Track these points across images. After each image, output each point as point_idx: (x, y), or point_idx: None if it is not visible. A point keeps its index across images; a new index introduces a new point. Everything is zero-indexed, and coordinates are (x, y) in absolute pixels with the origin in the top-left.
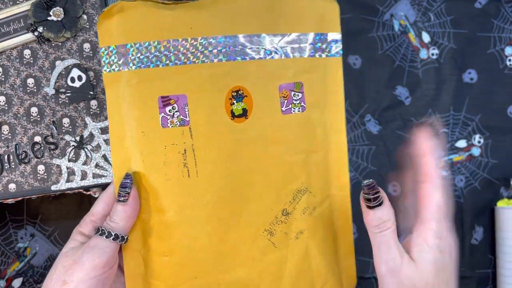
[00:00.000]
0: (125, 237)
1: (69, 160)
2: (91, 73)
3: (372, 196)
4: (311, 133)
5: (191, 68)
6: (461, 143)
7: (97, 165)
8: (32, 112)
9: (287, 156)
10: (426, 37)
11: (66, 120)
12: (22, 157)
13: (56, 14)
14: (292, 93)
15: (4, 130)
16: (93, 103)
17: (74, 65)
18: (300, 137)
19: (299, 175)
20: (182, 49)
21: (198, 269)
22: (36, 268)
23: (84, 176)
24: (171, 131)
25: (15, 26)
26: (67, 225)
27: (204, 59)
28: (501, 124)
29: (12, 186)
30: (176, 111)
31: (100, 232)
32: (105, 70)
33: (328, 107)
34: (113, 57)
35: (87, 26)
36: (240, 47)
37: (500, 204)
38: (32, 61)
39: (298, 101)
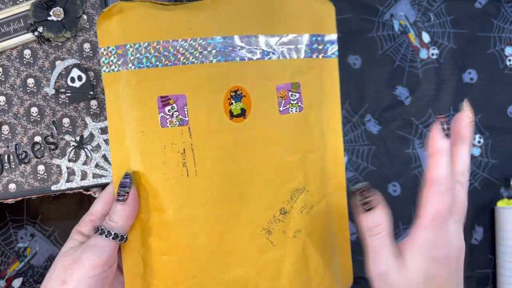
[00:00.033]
0: (125, 236)
1: (69, 160)
2: (91, 73)
3: (363, 201)
4: (308, 133)
5: (190, 68)
6: None
7: (97, 165)
8: (32, 112)
9: (285, 155)
10: (426, 37)
11: (66, 120)
12: (22, 157)
13: (56, 14)
14: (290, 93)
15: (4, 130)
16: (93, 103)
17: (74, 65)
18: (298, 137)
19: (297, 175)
20: (181, 49)
21: (197, 268)
22: (36, 268)
23: (84, 176)
24: (170, 131)
25: (15, 26)
26: (67, 225)
27: (203, 59)
28: (501, 124)
29: (12, 186)
30: (175, 111)
31: (99, 231)
32: (104, 71)
33: (324, 107)
34: (112, 58)
35: (87, 26)
36: (238, 47)
37: (500, 204)
38: (32, 61)
39: (295, 101)
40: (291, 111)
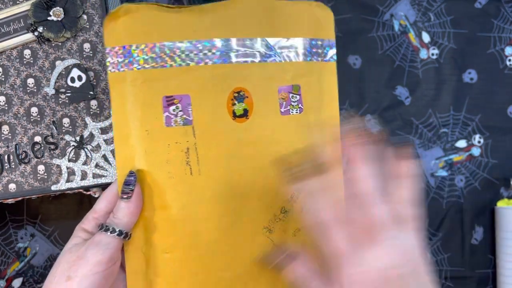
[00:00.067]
0: (129, 234)
1: (69, 160)
2: (91, 73)
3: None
4: (307, 134)
5: (194, 69)
6: (461, 143)
7: (97, 165)
8: (32, 112)
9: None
10: (426, 37)
11: (66, 120)
12: (22, 157)
13: (56, 14)
14: (291, 95)
15: (4, 130)
16: (93, 103)
17: (74, 65)
18: (297, 138)
19: None
20: (185, 51)
21: (199, 266)
22: (36, 268)
23: (84, 176)
24: (174, 130)
25: (15, 26)
26: (67, 225)
27: (207, 61)
28: (501, 124)
29: (12, 186)
30: (179, 111)
31: (104, 228)
32: (110, 70)
33: (323, 110)
34: (118, 58)
35: (87, 26)
36: (235, 50)
37: (500, 204)
38: (32, 61)
39: (296, 103)
40: (292, 112)
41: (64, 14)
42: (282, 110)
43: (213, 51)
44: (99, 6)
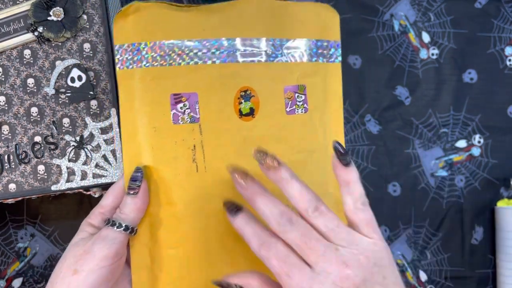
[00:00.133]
0: (135, 229)
1: (69, 160)
2: (91, 73)
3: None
4: (312, 133)
5: (203, 68)
6: (461, 143)
7: (97, 165)
8: (32, 112)
9: (290, 154)
10: (426, 37)
11: (66, 120)
12: (22, 157)
13: (56, 14)
14: (296, 94)
15: (4, 130)
16: (93, 103)
17: (74, 65)
18: (303, 137)
19: (300, 174)
20: (194, 49)
21: (203, 262)
22: (36, 268)
23: (84, 176)
24: (181, 128)
25: (15, 26)
26: (67, 225)
27: (215, 59)
28: (501, 124)
29: (12, 186)
30: (187, 108)
31: (110, 223)
32: (119, 68)
33: (328, 110)
34: (127, 55)
35: (87, 26)
36: (240, 50)
37: (500, 204)
38: (32, 61)
39: (301, 103)
40: (297, 112)
41: (64, 14)
42: (288, 109)
43: (221, 50)
44: (99, 6)
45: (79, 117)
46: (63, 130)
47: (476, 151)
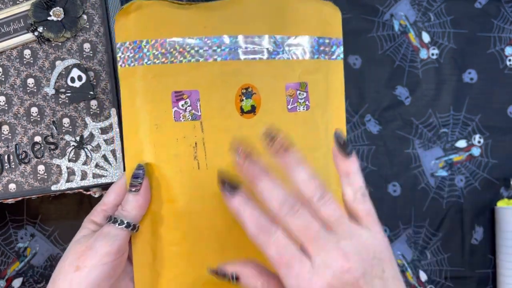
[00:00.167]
0: (137, 226)
1: (69, 160)
2: (91, 73)
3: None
4: (314, 131)
5: (204, 65)
6: (461, 143)
7: (97, 165)
8: (32, 112)
9: None
10: (426, 37)
11: (66, 120)
12: (22, 157)
13: (56, 14)
14: (298, 92)
15: (4, 130)
16: (93, 103)
17: (74, 65)
18: (304, 134)
19: None
20: (195, 47)
21: (205, 259)
22: (36, 268)
23: (84, 176)
24: (183, 125)
25: (15, 26)
26: (67, 225)
27: (216, 57)
28: (501, 124)
29: (12, 186)
30: (188, 106)
31: (112, 220)
32: (121, 65)
33: (329, 107)
34: (128, 53)
35: (87, 26)
36: (243, 47)
37: (500, 204)
38: (32, 61)
39: (303, 100)
40: (299, 109)
41: (64, 14)
42: (289, 107)
43: (222, 47)
44: (99, 6)
45: (79, 117)
46: (63, 130)
47: (476, 151)
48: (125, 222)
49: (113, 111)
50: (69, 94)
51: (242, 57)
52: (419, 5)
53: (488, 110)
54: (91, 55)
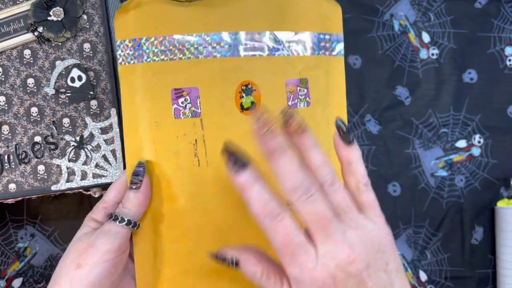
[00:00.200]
0: (137, 223)
1: (69, 160)
2: (91, 73)
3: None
4: (315, 128)
5: (203, 62)
6: (461, 143)
7: (97, 165)
8: (32, 112)
9: None
10: (426, 37)
11: (66, 120)
12: (22, 157)
13: (56, 14)
14: (298, 88)
15: (4, 130)
16: (93, 103)
17: (74, 65)
18: None
19: None
20: (195, 44)
21: (206, 257)
22: (36, 268)
23: (84, 176)
24: (183, 122)
25: (15, 26)
26: (67, 225)
27: (215, 54)
28: (501, 124)
29: (12, 186)
30: (188, 103)
31: (113, 217)
32: (120, 63)
33: (330, 103)
34: (128, 51)
35: (87, 26)
36: (244, 44)
37: (500, 204)
38: (32, 61)
39: (303, 96)
40: (299, 105)
41: (64, 14)
42: (290, 103)
43: (222, 44)
44: (99, 6)
45: (79, 117)
46: (63, 130)
47: (476, 151)
48: (126, 219)
49: (113, 111)
50: (69, 94)
51: (241, 53)
52: (419, 5)
53: (488, 110)
54: (91, 55)
